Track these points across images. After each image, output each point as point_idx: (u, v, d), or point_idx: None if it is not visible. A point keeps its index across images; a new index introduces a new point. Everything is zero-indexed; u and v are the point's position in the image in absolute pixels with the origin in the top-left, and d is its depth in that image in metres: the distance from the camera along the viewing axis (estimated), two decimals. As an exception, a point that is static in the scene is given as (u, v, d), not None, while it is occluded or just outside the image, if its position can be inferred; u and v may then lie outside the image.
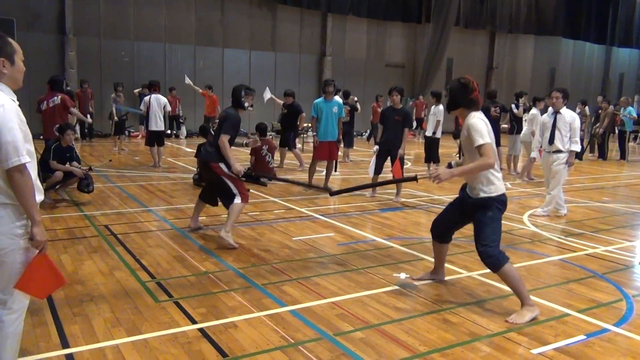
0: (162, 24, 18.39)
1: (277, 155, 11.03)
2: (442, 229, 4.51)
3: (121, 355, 3.27)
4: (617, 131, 15.73)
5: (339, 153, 10.69)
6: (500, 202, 4.05)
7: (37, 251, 2.68)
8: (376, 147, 8.68)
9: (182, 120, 18.00)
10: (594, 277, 5.03)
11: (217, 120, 5.85)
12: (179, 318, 3.83)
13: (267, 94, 15.30)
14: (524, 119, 11.92)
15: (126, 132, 17.35)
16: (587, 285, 4.79)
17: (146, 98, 11.34)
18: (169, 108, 11.64)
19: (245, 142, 7.46)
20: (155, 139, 11.24)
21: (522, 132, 11.46)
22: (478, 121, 3.96)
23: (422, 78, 22.87)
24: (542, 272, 5.21)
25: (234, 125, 5.70)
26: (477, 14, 24.41)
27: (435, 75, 22.92)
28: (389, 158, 8.38)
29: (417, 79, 23.43)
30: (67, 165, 7.39)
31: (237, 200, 5.58)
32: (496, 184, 4.04)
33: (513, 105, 12.10)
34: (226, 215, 5.70)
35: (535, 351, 3.49)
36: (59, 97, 8.66)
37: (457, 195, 4.38)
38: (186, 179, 9.84)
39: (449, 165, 4.45)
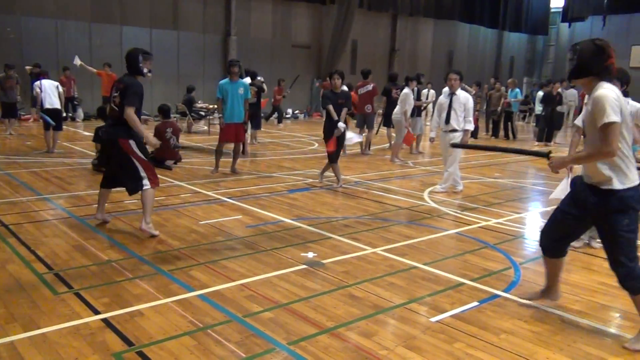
0: (52, -2, 17.14)
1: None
2: (556, 241, 3.68)
3: (17, 352, 3.10)
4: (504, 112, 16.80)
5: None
6: (637, 201, 3.24)
7: None
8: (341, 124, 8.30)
9: (77, 102, 16.98)
10: (486, 248, 5.41)
11: (116, 93, 5.23)
12: (80, 309, 3.68)
13: (77, 60, 15.58)
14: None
15: (17, 115, 16.15)
16: (480, 256, 5.15)
17: (37, 83, 10.56)
18: (61, 89, 10.84)
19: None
20: (51, 118, 10.34)
21: (394, 111, 11.25)
22: (610, 93, 3.12)
23: (328, 59, 23.12)
24: (440, 245, 5.53)
25: (139, 94, 5.16)
26: (379, -3, 24.94)
27: (340, 56, 23.25)
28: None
29: (323, 59, 23.64)
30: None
31: (146, 185, 5.21)
32: (630, 173, 3.26)
33: (415, 89, 12.52)
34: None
35: (433, 319, 3.72)
36: None
37: (560, 197, 3.80)
38: (84, 164, 9.36)
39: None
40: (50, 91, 10.43)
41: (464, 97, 7.80)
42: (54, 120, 10.45)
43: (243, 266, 4.64)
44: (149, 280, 4.24)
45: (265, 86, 12.84)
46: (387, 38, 26.72)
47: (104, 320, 3.54)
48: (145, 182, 5.21)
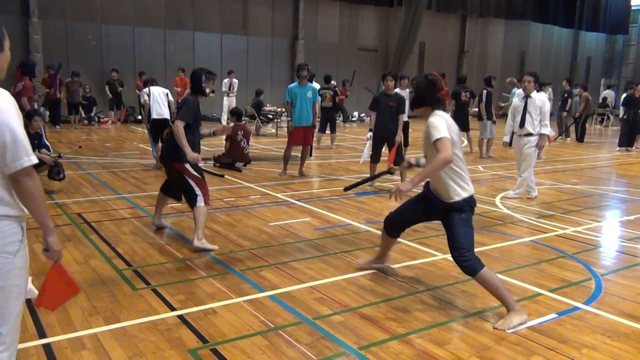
0: (130, 6, 17.97)
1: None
2: (398, 225, 4.36)
3: (100, 344, 3.25)
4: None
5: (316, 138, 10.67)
6: (471, 204, 3.84)
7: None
8: (369, 133, 8.39)
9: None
10: (564, 257, 5.17)
11: (176, 109, 5.30)
12: (157, 305, 3.81)
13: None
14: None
15: (96, 118, 17.08)
16: (557, 265, 4.93)
17: (145, 90, 9.71)
18: (171, 97, 9.88)
19: (211, 131, 6.46)
20: (159, 130, 9.25)
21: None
22: (438, 118, 3.71)
23: (395, 62, 22.93)
24: (514, 253, 5.34)
25: (192, 111, 5.17)
26: (448, -2, 24.51)
27: (407, 59, 23.01)
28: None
29: (389, 62, 23.47)
30: (37, 152, 7.23)
31: (200, 202, 5.13)
32: (466, 186, 3.81)
33: (484, 91, 12.21)
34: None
35: (509, 330, 3.58)
36: (22, 84, 8.47)
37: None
38: (159, 165, 9.70)
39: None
40: (159, 100, 9.54)
41: (540, 100, 7.50)
42: (162, 129, 9.25)
43: (312, 268, 4.66)
44: (221, 279, 4.34)
45: (338, 90, 12.96)
46: (455, 39, 26.21)
47: (180, 316, 3.65)
48: (200, 199, 5.14)
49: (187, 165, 5.14)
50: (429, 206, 4.02)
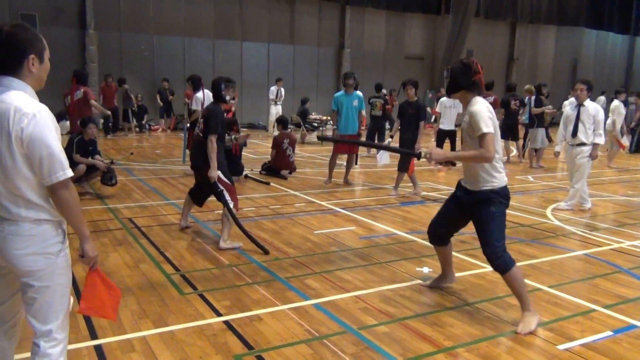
0: (182, 18, 18.47)
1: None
2: (440, 231, 4.20)
3: (148, 347, 3.32)
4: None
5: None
6: (503, 196, 3.75)
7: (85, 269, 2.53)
8: (389, 140, 8.54)
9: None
10: (619, 272, 4.96)
11: (202, 119, 5.49)
12: (204, 310, 3.87)
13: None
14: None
15: (147, 126, 17.57)
16: (613, 281, 4.73)
17: (198, 95, 9.18)
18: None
19: (233, 137, 6.43)
20: None
21: (606, 122, 11.23)
22: (483, 108, 3.66)
23: (442, 70, 22.68)
24: (567, 266, 5.16)
25: (221, 122, 5.38)
26: (497, 5, 24.10)
27: (454, 67, 22.72)
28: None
29: (436, 71, 23.25)
30: (90, 158, 7.48)
31: (230, 206, 5.35)
32: (498, 175, 3.74)
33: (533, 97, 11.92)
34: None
35: (561, 347, 3.46)
36: (82, 90, 8.84)
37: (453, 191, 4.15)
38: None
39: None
40: None
41: (594, 109, 7.24)
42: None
43: (357, 278, 4.63)
44: (266, 286, 4.36)
45: (387, 98, 12.92)
46: (504, 47, 25.70)
47: (226, 322, 3.69)
48: (229, 205, 5.34)
49: (220, 173, 5.35)
50: (460, 202, 3.97)
